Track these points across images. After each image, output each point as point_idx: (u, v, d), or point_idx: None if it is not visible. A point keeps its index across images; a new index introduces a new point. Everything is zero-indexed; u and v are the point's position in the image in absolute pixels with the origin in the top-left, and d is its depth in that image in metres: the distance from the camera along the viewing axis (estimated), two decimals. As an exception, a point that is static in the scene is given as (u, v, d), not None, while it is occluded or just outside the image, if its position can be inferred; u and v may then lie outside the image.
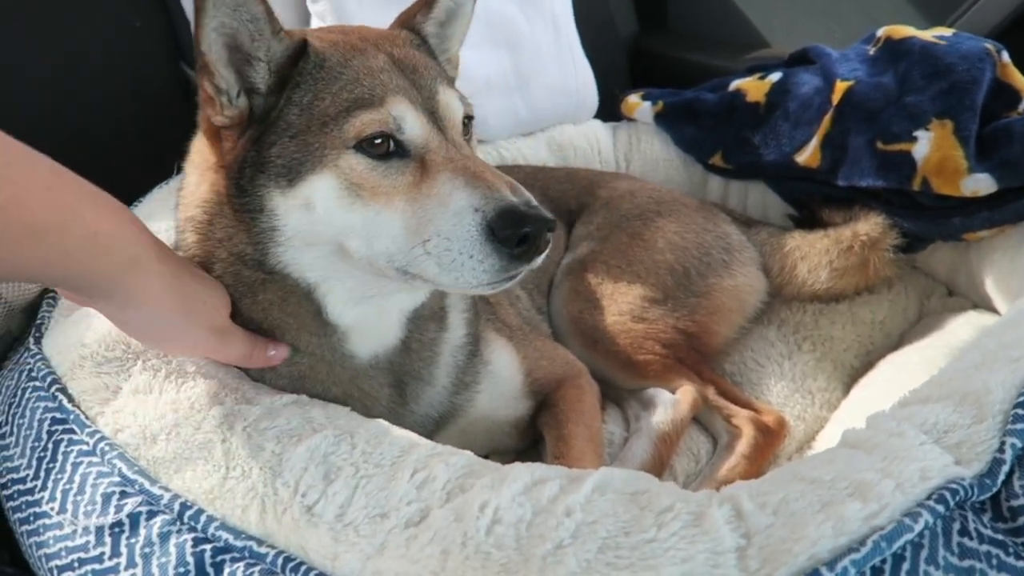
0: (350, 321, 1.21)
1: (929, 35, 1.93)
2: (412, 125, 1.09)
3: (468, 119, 1.20)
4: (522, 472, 0.98)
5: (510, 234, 1.01)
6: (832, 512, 0.82)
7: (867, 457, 0.91)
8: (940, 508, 0.83)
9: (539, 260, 1.07)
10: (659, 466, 1.49)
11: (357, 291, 1.18)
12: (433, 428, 1.35)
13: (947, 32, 1.96)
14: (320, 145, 1.07)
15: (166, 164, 1.62)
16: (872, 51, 2.03)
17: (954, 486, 0.85)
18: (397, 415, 1.28)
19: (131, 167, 1.74)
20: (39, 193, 0.82)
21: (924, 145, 1.74)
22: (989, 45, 1.84)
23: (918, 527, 0.82)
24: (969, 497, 0.86)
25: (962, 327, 1.73)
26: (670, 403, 1.57)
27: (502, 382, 1.44)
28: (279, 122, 1.10)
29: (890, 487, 0.84)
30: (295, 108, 1.10)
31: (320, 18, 1.93)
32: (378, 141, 1.07)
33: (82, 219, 0.88)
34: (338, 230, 1.10)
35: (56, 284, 0.96)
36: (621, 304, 1.68)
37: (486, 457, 1.41)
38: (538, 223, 1.02)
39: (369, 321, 1.22)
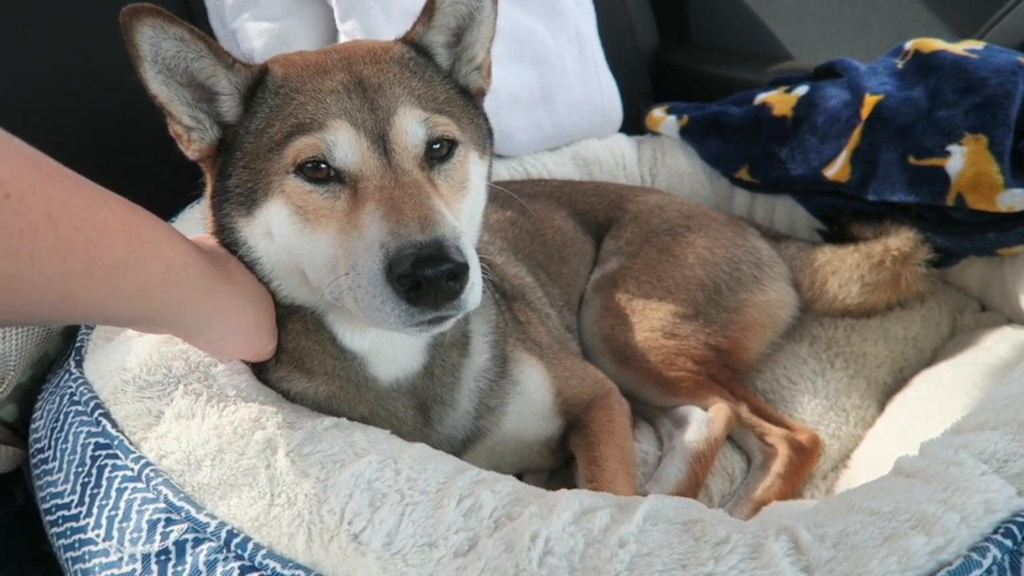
0: (366, 347, 1.20)
1: (960, 48, 1.92)
2: (344, 151, 1.04)
3: (444, 143, 1.11)
4: (570, 500, 0.97)
5: (403, 276, 0.94)
6: (896, 546, 0.81)
7: (926, 487, 0.89)
8: (1008, 543, 0.82)
9: (467, 306, 0.99)
10: (695, 486, 1.48)
11: (356, 318, 1.15)
12: (459, 448, 1.34)
13: (978, 45, 1.95)
14: (266, 171, 1.07)
15: (196, 182, 1.63)
16: (901, 64, 2.02)
17: (1020, 519, 0.84)
18: (423, 435, 1.28)
19: (162, 185, 1.74)
20: (116, 232, 0.83)
21: (958, 160, 1.73)
22: (1022, 58, 1.83)
23: (986, 562, 0.80)
24: (1035, 530, 0.85)
25: (997, 344, 1.71)
26: (703, 421, 1.56)
27: (532, 402, 1.43)
28: (236, 152, 1.10)
29: (955, 520, 0.83)
30: (250, 136, 1.09)
31: (349, 37, 1.93)
32: (322, 165, 1.05)
33: (157, 254, 0.90)
34: (295, 257, 1.09)
35: (134, 321, 0.97)
36: (652, 320, 1.67)
37: (519, 477, 1.41)
38: (435, 267, 0.93)
39: (384, 347, 1.22)
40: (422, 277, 0.93)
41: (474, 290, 1.00)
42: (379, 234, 0.97)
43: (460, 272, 0.95)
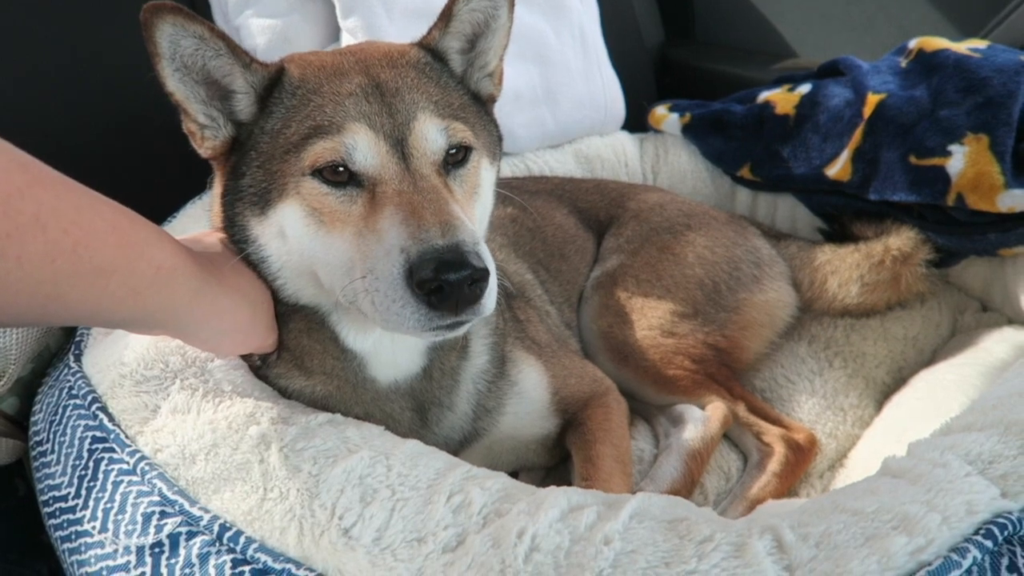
0: (367, 348, 1.21)
1: (963, 47, 1.91)
2: (364, 155, 1.04)
3: (459, 150, 1.12)
4: (559, 497, 0.97)
5: (424, 281, 0.94)
6: (877, 546, 0.81)
7: (910, 488, 0.90)
8: (988, 543, 0.82)
9: (484, 311, 0.99)
10: (690, 484, 1.48)
11: (363, 319, 1.16)
12: (456, 448, 1.35)
13: (982, 44, 1.94)
14: (282, 172, 1.07)
15: (197, 178, 1.64)
16: (904, 63, 2.01)
17: (1002, 520, 0.84)
18: (420, 436, 1.28)
19: (162, 182, 1.76)
20: (106, 235, 0.84)
21: (959, 160, 1.72)
22: (1025, 57, 1.82)
23: (966, 563, 0.80)
24: (1017, 531, 0.85)
25: (997, 344, 1.70)
26: (700, 420, 1.56)
27: (530, 402, 1.43)
28: (251, 151, 1.10)
29: (936, 521, 0.83)
30: (266, 136, 1.09)
31: (351, 34, 1.94)
32: (340, 169, 1.05)
33: (147, 256, 0.90)
34: (308, 258, 1.09)
35: (125, 323, 0.97)
36: (651, 319, 1.68)
37: (515, 475, 1.42)
38: (458, 272, 0.93)
39: (385, 348, 1.22)
40: (444, 282, 0.93)
41: (491, 295, 1.00)
42: (399, 238, 0.97)
43: (481, 277, 0.96)
